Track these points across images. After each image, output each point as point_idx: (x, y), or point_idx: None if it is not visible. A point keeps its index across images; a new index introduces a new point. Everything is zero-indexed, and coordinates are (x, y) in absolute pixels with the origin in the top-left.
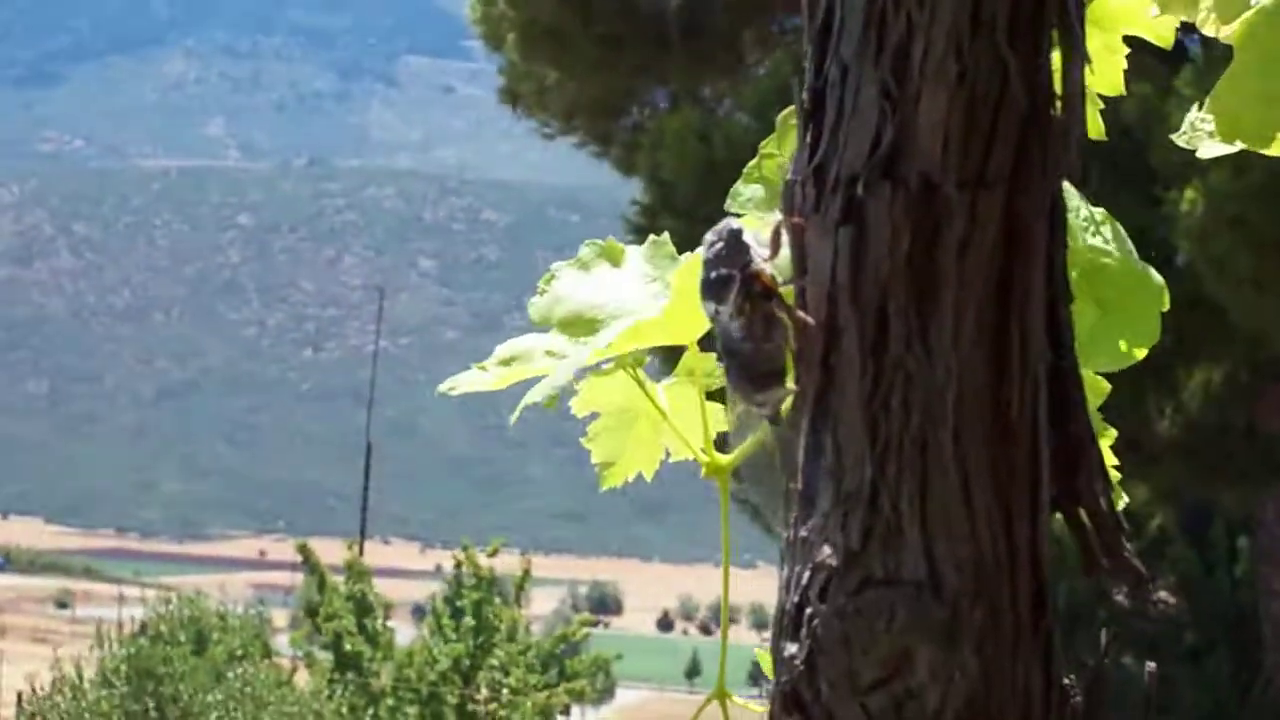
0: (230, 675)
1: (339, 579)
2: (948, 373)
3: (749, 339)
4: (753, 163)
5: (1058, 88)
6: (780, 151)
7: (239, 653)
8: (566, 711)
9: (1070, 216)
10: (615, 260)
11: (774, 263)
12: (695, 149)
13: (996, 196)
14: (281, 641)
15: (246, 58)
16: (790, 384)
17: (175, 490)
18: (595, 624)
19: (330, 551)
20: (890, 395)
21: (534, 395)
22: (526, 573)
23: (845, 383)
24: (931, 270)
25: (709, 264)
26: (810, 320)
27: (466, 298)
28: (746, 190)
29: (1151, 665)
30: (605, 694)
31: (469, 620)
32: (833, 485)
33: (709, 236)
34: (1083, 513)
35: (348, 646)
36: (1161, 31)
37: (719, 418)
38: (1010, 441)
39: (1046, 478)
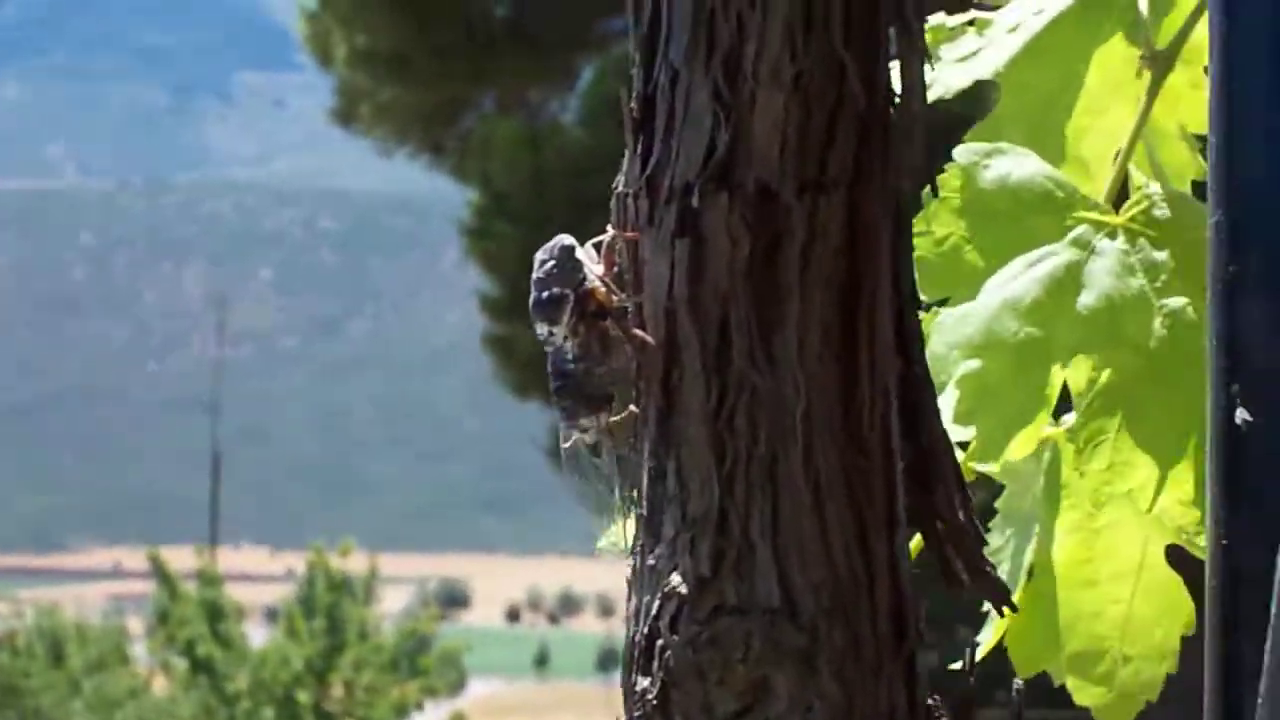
0: (88, 685)
1: (192, 586)
2: (795, 387)
3: (584, 360)
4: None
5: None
6: (931, 228)
7: (97, 663)
8: (420, 706)
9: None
10: None
11: (608, 280)
12: (526, 158)
13: (837, 200)
14: (139, 649)
15: (82, 79)
16: (629, 407)
17: (27, 505)
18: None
19: (183, 559)
20: (735, 413)
21: None
22: (373, 572)
23: (688, 402)
24: (773, 280)
25: (540, 283)
26: (649, 338)
27: (305, 304)
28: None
29: (1019, 682)
30: (457, 687)
31: (320, 621)
32: (679, 509)
33: (539, 255)
34: (940, 526)
35: (201, 652)
36: None
37: None
38: (863, 456)
39: (902, 492)
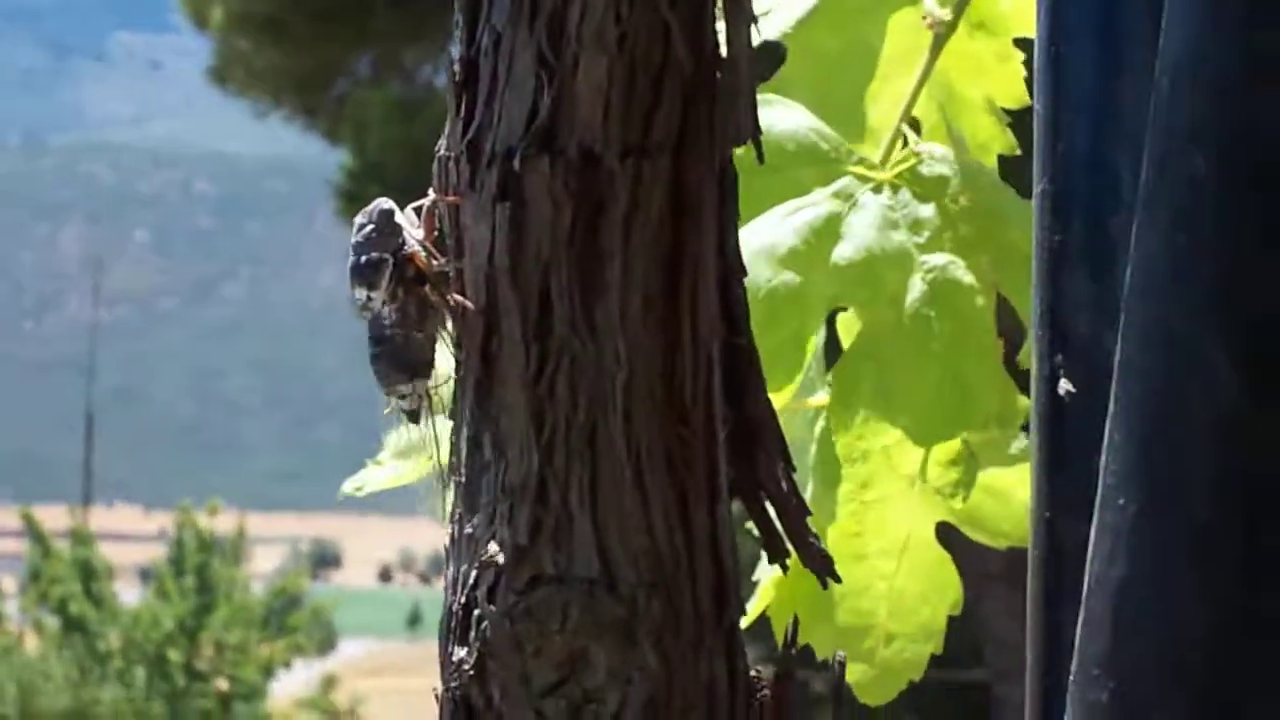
0: None
1: (65, 545)
2: (615, 355)
3: (402, 326)
4: None
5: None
6: None
7: None
8: (289, 665)
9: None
10: None
11: (429, 244)
12: (398, 127)
13: (662, 165)
14: (10, 607)
15: None
16: (444, 373)
17: None
18: (314, 577)
19: (55, 518)
20: (556, 381)
21: None
22: (241, 531)
23: (507, 370)
24: (595, 247)
25: (359, 247)
26: (469, 304)
27: (183, 267)
28: None
29: (841, 654)
30: (327, 646)
31: (190, 581)
32: (497, 478)
33: (359, 219)
34: (764, 497)
35: (74, 610)
36: None
37: None
38: (685, 425)
39: (724, 462)
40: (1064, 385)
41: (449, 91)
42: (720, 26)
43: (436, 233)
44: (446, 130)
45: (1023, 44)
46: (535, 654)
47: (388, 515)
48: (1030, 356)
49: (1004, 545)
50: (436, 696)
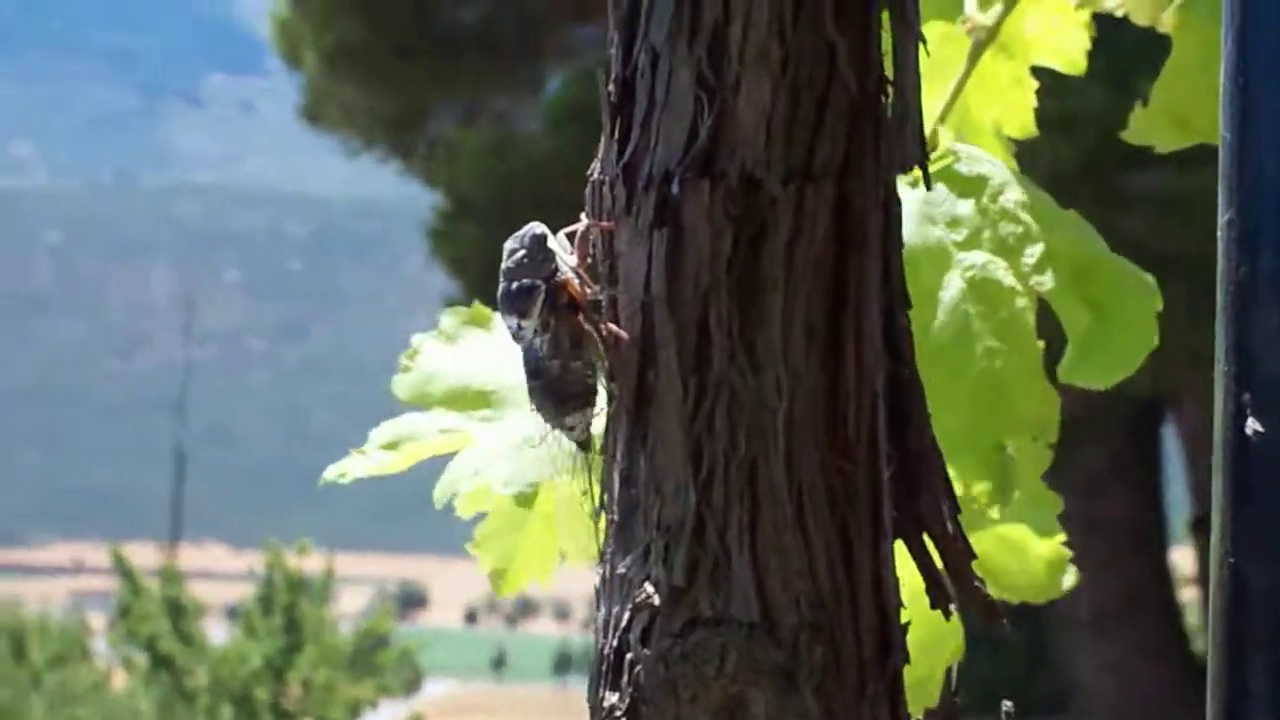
0: (49, 680)
1: (153, 582)
2: (777, 388)
3: (556, 356)
4: None
5: (889, 72)
6: None
7: (57, 658)
8: (375, 705)
9: (1023, 212)
10: (483, 326)
11: (582, 271)
12: (492, 165)
13: (825, 191)
14: (100, 645)
15: (52, 79)
16: (601, 404)
17: None
18: (401, 618)
19: (145, 556)
20: (714, 415)
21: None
22: (330, 571)
23: (664, 402)
24: (756, 275)
25: (510, 274)
26: (623, 334)
27: (271, 308)
28: None
29: (1008, 705)
30: (414, 686)
31: (278, 620)
32: (652, 516)
33: (509, 244)
34: (927, 538)
35: (162, 648)
36: (1073, 57)
37: None
38: (848, 461)
39: (888, 501)
40: (1252, 424)
41: (604, 112)
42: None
43: (590, 259)
44: (600, 153)
45: (1039, 73)
46: (691, 700)
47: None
48: (1216, 393)
49: (1015, 601)
50: None
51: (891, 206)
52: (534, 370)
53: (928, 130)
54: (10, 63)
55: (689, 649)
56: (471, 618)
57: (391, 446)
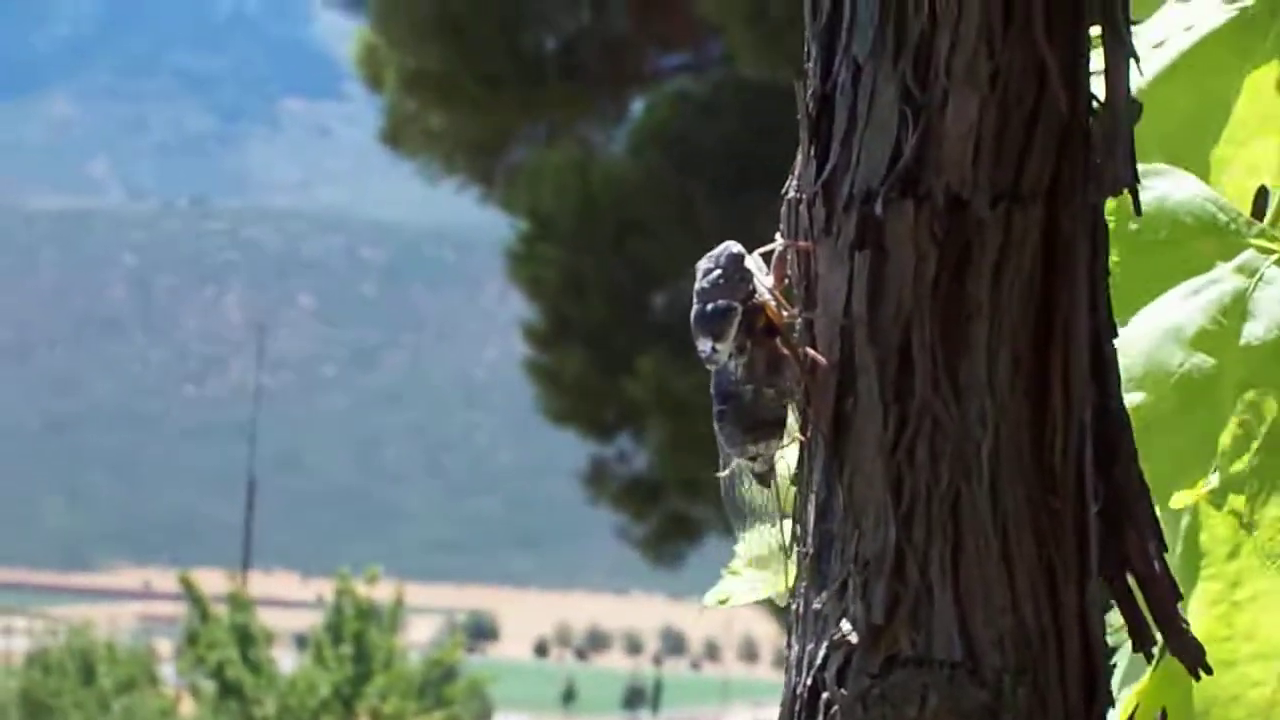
0: (117, 705)
1: (222, 609)
2: (982, 418)
3: (750, 381)
4: None
5: (1098, 90)
6: None
7: (126, 683)
8: None
9: None
10: None
11: (778, 293)
12: (573, 183)
13: (1034, 214)
14: (168, 671)
15: (129, 99)
16: (794, 433)
17: (60, 522)
18: (470, 649)
19: (214, 582)
20: (916, 445)
21: None
22: (400, 600)
23: (863, 431)
24: (961, 300)
25: (704, 294)
26: (822, 359)
27: (345, 334)
28: None
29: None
30: (482, 718)
31: (347, 648)
32: (850, 550)
33: (703, 264)
34: (1131, 576)
35: (230, 675)
36: None
37: None
38: (1054, 496)
39: (1095, 538)
40: None
41: (802, 128)
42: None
43: (786, 281)
44: (797, 171)
45: None
46: None
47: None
48: None
49: None
50: None
51: (1099, 231)
52: (724, 395)
53: (1278, 202)
54: (88, 82)
55: (888, 689)
56: (542, 650)
57: (761, 565)
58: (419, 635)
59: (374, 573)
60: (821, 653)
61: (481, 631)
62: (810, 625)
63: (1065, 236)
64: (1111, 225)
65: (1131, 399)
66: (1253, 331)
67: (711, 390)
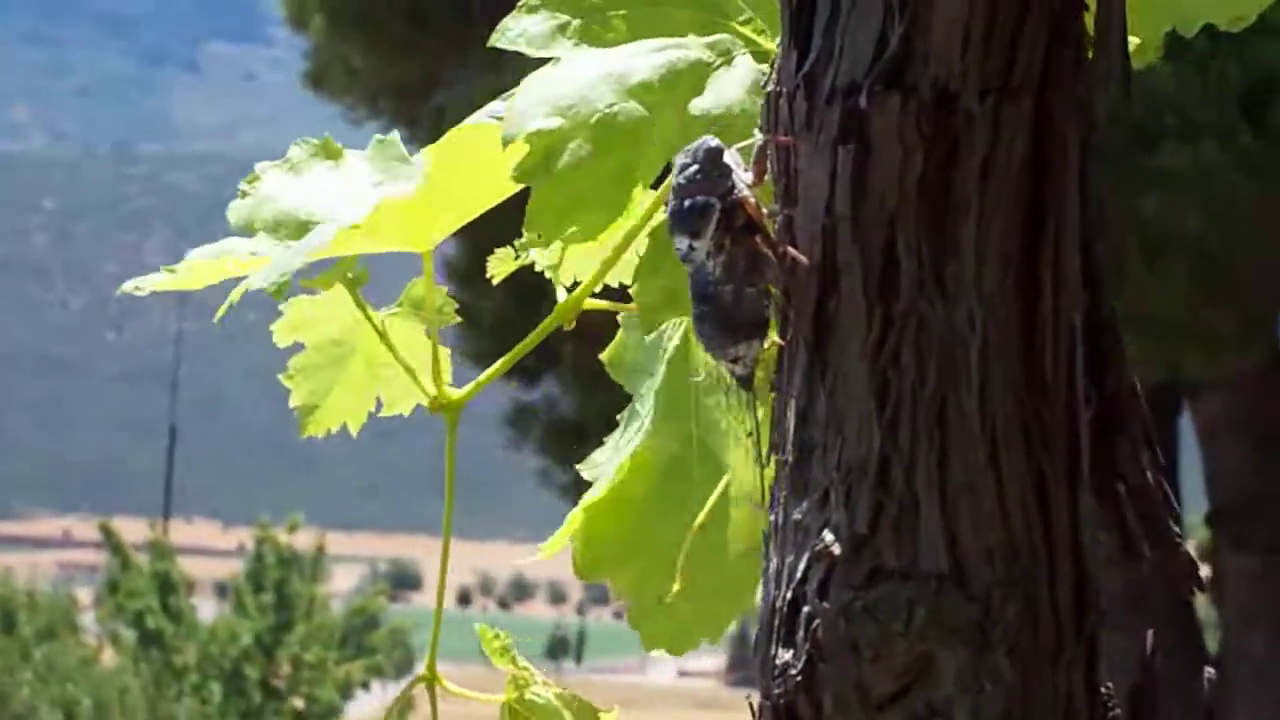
0: (38, 654)
1: (143, 557)
2: (970, 320)
3: (729, 281)
4: None
5: None
6: None
7: (46, 631)
8: (366, 686)
9: None
10: (333, 160)
11: (757, 190)
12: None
13: (1024, 107)
14: (88, 620)
15: (50, 44)
16: (774, 336)
17: None
18: (393, 598)
19: (134, 531)
20: (901, 348)
21: (256, 282)
22: (321, 549)
23: (846, 334)
24: (949, 197)
25: (680, 190)
26: (803, 259)
27: None
28: (516, 23)
29: (1211, 671)
30: (405, 667)
31: (269, 597)
32: (832, 457)
33: (680, 158)
34: (1122, 487)
35: (150, 624)
36: None
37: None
38: (1044, 401)
39: (1087, 446)
40: None
41: (782, 19)
42: None
43: (766, 177)
44: (777, 63)
45: None
46: (873, 660)
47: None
48: None
49: None
50: (751, 706)
51: (1092, 128)
52: (703, 295)
53: None
54: (8, 26)
55: (872, 603)
56: (465, 599)
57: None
58: (341, 584)
59: (295, 521)
60: (802, 565)
61: (404, 580)
62: (790, 537)
63: (1056, 131)
64: None
65: (547, 123)
66: (700, 104)
67: (690, 292)
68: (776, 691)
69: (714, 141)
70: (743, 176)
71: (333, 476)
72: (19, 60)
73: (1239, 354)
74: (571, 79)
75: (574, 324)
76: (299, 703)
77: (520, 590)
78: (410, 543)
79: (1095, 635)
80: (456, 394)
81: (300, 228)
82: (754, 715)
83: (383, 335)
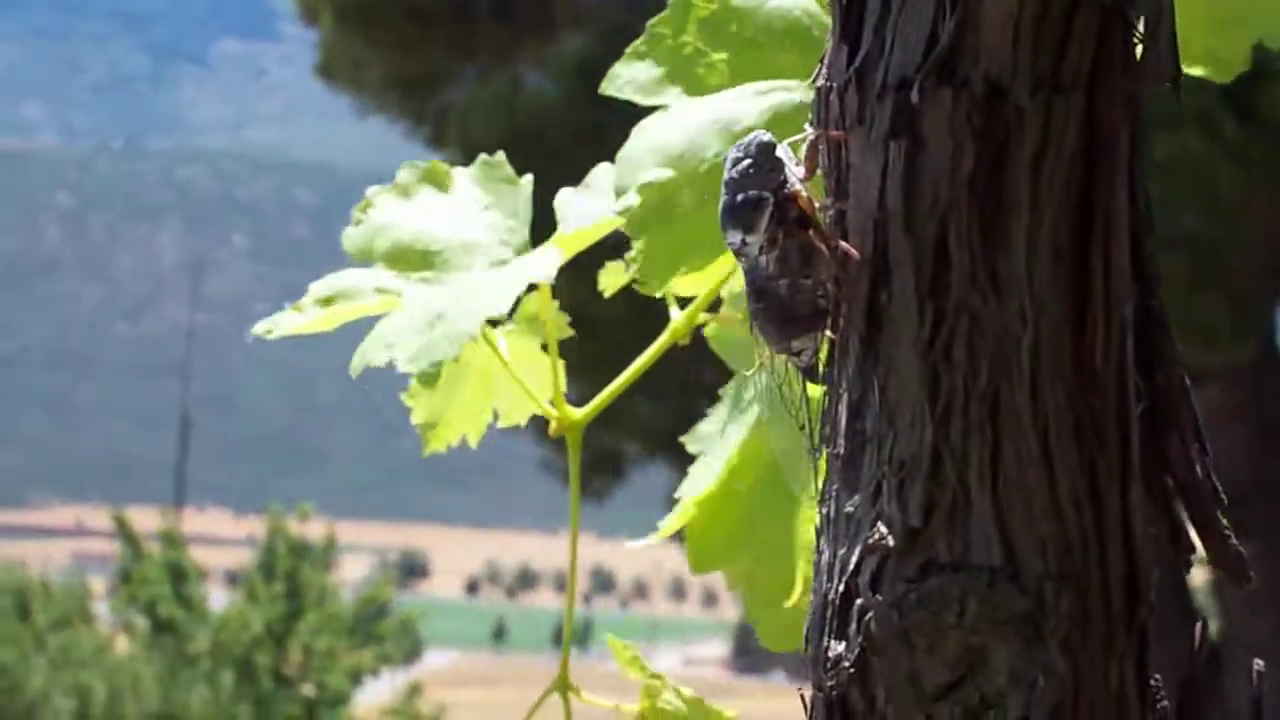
0: (52, 642)
1: (155, 546)
2: (1021, 315)
3: (784, 275)
4: (638, 42)
5: None
6: (671, 33)
7: (60, 620)
8: (376, 674)
9: None
10: (440, 184)
11: (809, 184)
12: (501, 117)
13: (1075, 103)
14: (101, 609)
15: (63, 40)
16: (830, 329)
17: None
18: (402, 587)
19: (147, 520)
20: (953, 342)
21: (405, 365)
22: (332, 538)
23: (898, 328)
24: (1000, 192)
25: (733, 184)
26: (854, 253)
27: (278, 274)
28: (627, 71)
29: (1259, 663)
30: (414, 656)
31: (279, 586)
32: (885, 451)
33: (733, 153)
34: (1171, 482)
35: (162, 613)
36: None
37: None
38: (1096, 396)
39: (1138, 440)
40: None
41: (833, 14)
42: None
43: (818, 172)
44: (828, 58)
45: None
46: (927, 651)
47: (476, 527)
48: None
49: None
50: (803, 698)
51: (1139, 123)
52: (758, 290)
53: None
54: (19, 21)
55: (925, 595)
56: (472, 588)
57: (327, 302)
58: (351, 573)
59: (306, 510)
60: (855, 557)
61: (412, 570)
62: (842, 529)
63: (1106, 127)
64: (701, 10)
65: (657, 175)
66: None
67: (745, 288)
68: (829, 684)
69: (766, 136)
70: (795, 171)
71: (342, 468)
72: (31, 57)
73: (1234, 343)
74: (679, 127)
75: (689, 340)
76: (309, 690)
77: (526, 579)
78: (418, 532)
79: (1145, 627)
80: (578, 414)
81: (421, 259)
82: (805, 708)
83: (497, 353)
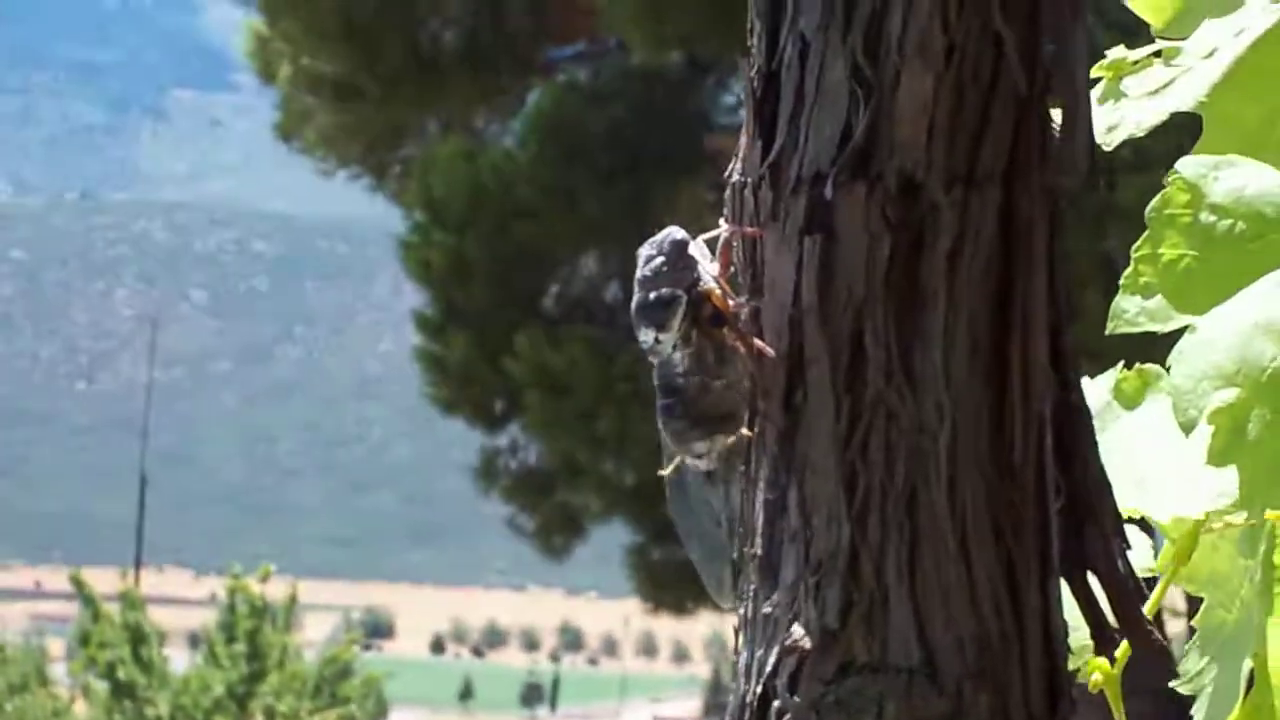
0: (9, 706)
1: (114, 608)
2: (938, 411)
3: (696, 373)
4: (1129, 272)
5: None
6: (1153, 251)
7: (17, 683)
8: None
9: None
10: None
11: (723, 281)
12: (462, 172)
13: (990, 197)
14: (59, 671)
15: (16, 92)
16: (742, 429)
17: None
18: (366, 646)
19: (105, 581)
20: (869, 439)
21: None
22: (293, 598)
23: (814, 425)
24: (916, 286)
25: (646, 282)
26: (770, 350)
27: (237, 328)
28: (1129, 304)
29: None
30: (379, 716)
31: (241, 647)
32: (801, 550)
33: (645, 250)
34: (1092, 578)
35: (122, 675)
36: None
37: None
38: (1014, 492)
39: (1056, 536)
40: None
41: (747, 109)
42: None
43: (732, 268)
44: (741, 153)
45: None
46: None
47: (441, 586)
48: None
49: None
50: None
51: (1057, 215)
52: (669, 388)
53: None
54: None
55: (843, 697)
56: (438, 647)
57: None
58: (314, 633)
59: (267, 570)
60: (772, 659)
61: (377, 629)
62: (760, 630)
63: (1023, 220)
64: (1181, 217)
65: (1224, 396)
66: None
67: (655, 384)
68: None
69: (679, 233)
70: (708, 268)
71: (304, 526)
72: None
73: None
74: (1219, 342)
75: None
76: None
77: (493, 637)
78: (382, 591)
79: None
80: None
81: None
82: None
83: None
